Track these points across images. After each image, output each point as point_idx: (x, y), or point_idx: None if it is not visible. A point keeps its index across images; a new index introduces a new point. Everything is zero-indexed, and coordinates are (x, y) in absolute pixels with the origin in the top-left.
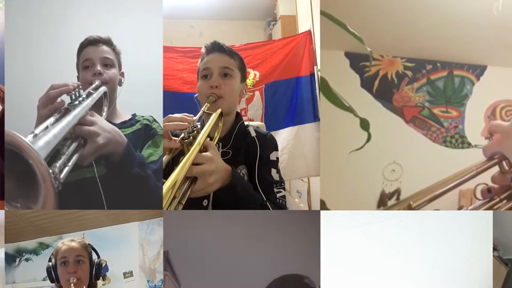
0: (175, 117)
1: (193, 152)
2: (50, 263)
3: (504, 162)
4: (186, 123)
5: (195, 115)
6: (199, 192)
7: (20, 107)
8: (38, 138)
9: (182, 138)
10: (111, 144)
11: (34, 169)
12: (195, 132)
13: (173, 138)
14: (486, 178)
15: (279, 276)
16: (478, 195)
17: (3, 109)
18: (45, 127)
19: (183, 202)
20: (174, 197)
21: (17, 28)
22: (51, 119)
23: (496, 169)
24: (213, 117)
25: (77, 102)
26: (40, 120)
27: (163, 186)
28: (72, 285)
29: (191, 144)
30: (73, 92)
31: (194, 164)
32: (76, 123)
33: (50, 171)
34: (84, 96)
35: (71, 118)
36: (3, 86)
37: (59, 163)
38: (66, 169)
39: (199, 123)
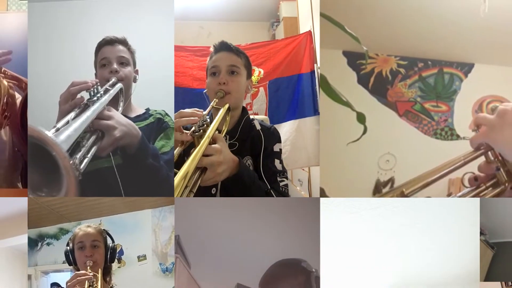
0: (186, 113)
1: (203, 144)
2: (68, 247)
3: (489, 152)
4: (197, 118)
5: (204, 110)
6: (208, 181)
7: (41, 102)
8: (60, 132)
9: (193, 131)
10: (127, 136)
11: (57, 161)
12: (205, 125)
13: (185, 131)
14: (473, 167)
15: (279, 260)
16: (466, 183)
17: (25, 97)
18: (66, 122)
19: (194, 190)
20: (186, 186)
21: (39, 29)
22: (72, 114)
23: (482, 159)
24: (221, 111)
25: (95, 98)
26: (62, 114)
27: (176, 176)
28: (88, 268)
29: (201, 137)
30: (92, 89)
31: (204, 155)
32: (95, 118)
33: (71, 162)
34: (102, 92)
35: (91, 113)
36: (26, 78)
37: (79, 155)
38: (86, 160)
39: (208, 117)
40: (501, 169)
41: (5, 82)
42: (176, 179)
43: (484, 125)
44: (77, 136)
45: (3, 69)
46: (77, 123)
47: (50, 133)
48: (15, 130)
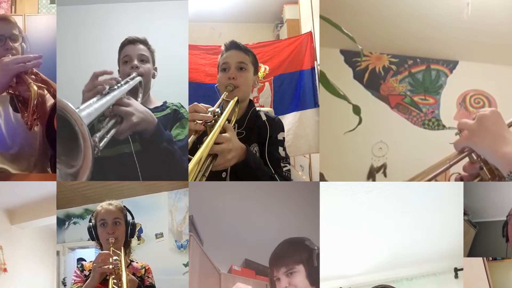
0: (200, 108)
1: (215, 133)
2: (90, 224)
3: (472, 154)
4: (211, 116)
5: (215, 102)
6: (219, 166)
7: (69, 97)
8: (82, 110)
9: (206, 122)
10: (144, 122)
11: (76, 129)
12: (216, 116)
13: (198, 121)
14: (458, 168)
15: (285, 239)
16: (452, 181)
17: (54, 104)
18: (88, 104)
19: (206, 174)
20: (199, 171)
21: (67, 30)
22: (94, 99)
23: (466, 160)
24: (231, 103)
25: (115, 87)
26: (85, 101)
27: (191, 161)
28: (110, 244)
29: (213, 126)
30: (114, 82)
31: (215, 143)
32: (115, 104)
33: (92, 139)
34: (122, 83)
35: (110, 98)
36: (55, 83)
37: (99, 134)
38: (105, 139)
39: (218, 109)
40: (484, 168)
41: (35, 87)
42: (191, 164)
43: (466, 130)
44: (97, 114)
45: (35, 71)
46: (98, 104)
47: (70, 104)
48: (44, 125)
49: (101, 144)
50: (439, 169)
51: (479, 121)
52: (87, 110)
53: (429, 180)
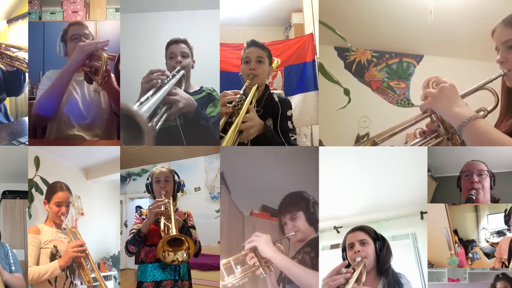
0: (228, 94)
1: (242, 114)
2: (148, 181)
3: (433, 115)
4: (237, 96)
5: (239, 87)
6: (244, 139)
7: (130, 83)
8: (143, 105)
9: (234, 106)
10: (187, 106)
11: (141, 126)
12: (241, 101)
13: (228, 105)
14: (422, 125)
15: (288, 192)
16: (417, 135)
17: (117, 65)
18: (147, 98)
19: (235, 145)
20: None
21: (128, 32)
22: (150, 92)
23: (428, 119)
24: (252, 90)
25: (166, 81)
26: (143, 91)
27: (228, 132)
28: (162, 196)
29: (239, 109)
30: (164, 76)
31: (242, 122)
32: (166, 94)
33: (150, 125)
34: (170, 77)
35: (163, 92)
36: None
37: (155, 119)
38: (160, 122)
39: (243, 93)
40: (441, 126)
41: (105, 54)
42: (229, 132)
43: (430, 96)
44: (154, 107)
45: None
46: (154, 98)
47: (135, 107)
48: (112, 97)
49: (157, 126)
50: (408, 124)
51: (440, 90)
52: (146, 105)
53: (401, 130)
